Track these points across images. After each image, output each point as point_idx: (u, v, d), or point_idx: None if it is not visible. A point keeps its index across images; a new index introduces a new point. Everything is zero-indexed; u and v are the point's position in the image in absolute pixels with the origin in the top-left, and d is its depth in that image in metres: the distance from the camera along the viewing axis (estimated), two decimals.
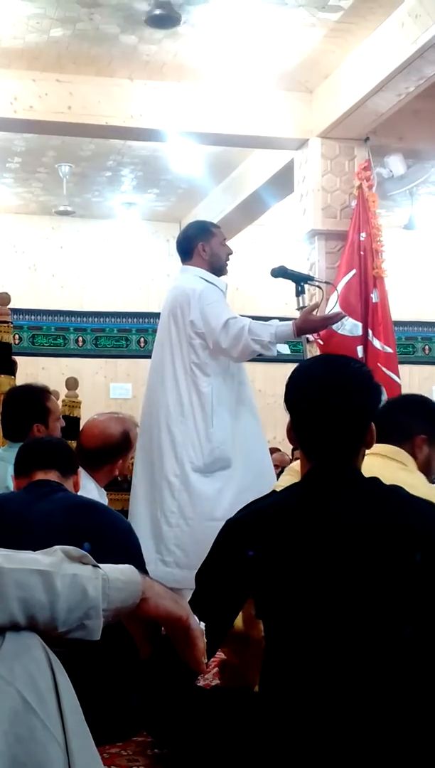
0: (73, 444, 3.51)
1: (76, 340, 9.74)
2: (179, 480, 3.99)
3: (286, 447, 7.93)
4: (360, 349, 5.97)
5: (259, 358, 4.42)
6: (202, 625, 1.50)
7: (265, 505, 1.91)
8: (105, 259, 9.78)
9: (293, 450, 6.97)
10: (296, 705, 1.73)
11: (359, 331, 5.99)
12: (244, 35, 5.65)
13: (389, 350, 6.08)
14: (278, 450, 8.10)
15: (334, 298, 5.71)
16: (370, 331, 6.04)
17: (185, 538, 3.93)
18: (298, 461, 2.46)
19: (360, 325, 6.00)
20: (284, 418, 1.99)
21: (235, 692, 2.20)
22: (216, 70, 6.14)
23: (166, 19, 5.29)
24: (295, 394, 1.95)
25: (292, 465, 2.61)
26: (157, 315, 4.38)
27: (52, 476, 2.57)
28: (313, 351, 5.61)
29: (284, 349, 4.07)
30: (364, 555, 1.75)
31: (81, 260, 9.73)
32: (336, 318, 4.32)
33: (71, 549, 1.35)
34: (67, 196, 8.63)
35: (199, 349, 4.04)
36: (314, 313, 4.07)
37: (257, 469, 4.08)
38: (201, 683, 2.70)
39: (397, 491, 1.86)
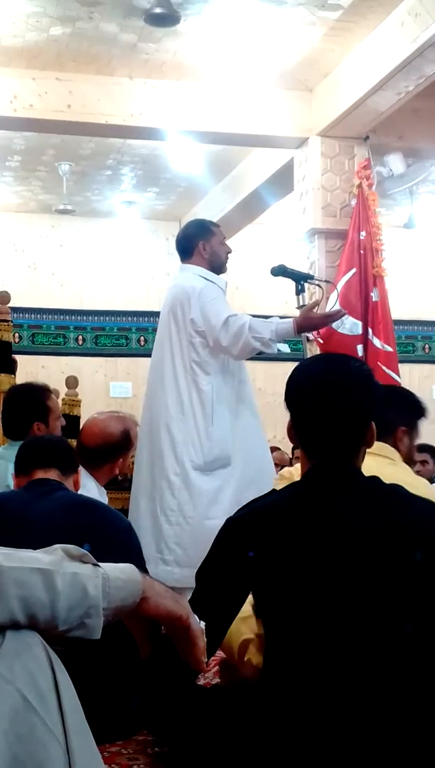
0: (74, 443, 3.51)
1: (76, 339, 9.73)
2: (179, 478, 4.00)
3: (286, 446, 7.93)
4: (360, 347, 5.96)
5: (259, 357, 4.42)
6: (202, 624, 1.50)
7: (265, 503, 1.91)
8: (105, 258, 9.78)
9: (293, 449, 6.97)
10: (297, 704, 1.73)
11: (359, 330, 5.98)
12: (243, 34, 5.65)
13: (389, 349, 6.08)
14: (278, 449, 8.10)
15: (334, 296, 5.70)
16: (370, 330, 6.04)
17: (185, 537, 3.93)
18: (287, 469, 2.47)
19: (360, 323, 5.99)
20: (284, 416, 1.99)
21: (235, 691, 2.20)
22: (216, 69, 6.14)
23: (165, 18, 5.29)
24: (295, 393, 1.95)
25: (281, 472, 2.61)
26: (157, 314, 4.38)
27: (53, 475, 2.57)
28: (313, 350, 5.61)
29: (284, 347, 4.08)
30: (364, 554, 1.75)
31: (81, 259, 9.72)
32: (336, 315, 4.32)
33: (71, 548, 1.35)
34: (66, 195, 8.63)
35: (200, 348, 4.04)
36: (314, 310, 4.08)
37: (257, 467, 4.08)
38: (201, 682, 2.70)
39: (397, 490, 1.86)
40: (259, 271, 8.38)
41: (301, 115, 6.50)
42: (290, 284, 4.24)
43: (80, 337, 9.74)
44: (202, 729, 1.87)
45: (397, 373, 6.15)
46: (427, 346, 10.49)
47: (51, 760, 1.14)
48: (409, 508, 1.83)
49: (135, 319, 9.82)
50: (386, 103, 5.83)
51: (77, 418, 5.18)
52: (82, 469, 3.03)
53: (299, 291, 4.21)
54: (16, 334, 8.87)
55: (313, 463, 1.91)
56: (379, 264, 6.13)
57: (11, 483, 2.93)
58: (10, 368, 4.60)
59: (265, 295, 9.42)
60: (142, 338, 9.79)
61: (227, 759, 1.78)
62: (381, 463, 2.35)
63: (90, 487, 3.28)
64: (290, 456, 7.63)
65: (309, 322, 4.03)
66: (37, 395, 3.57)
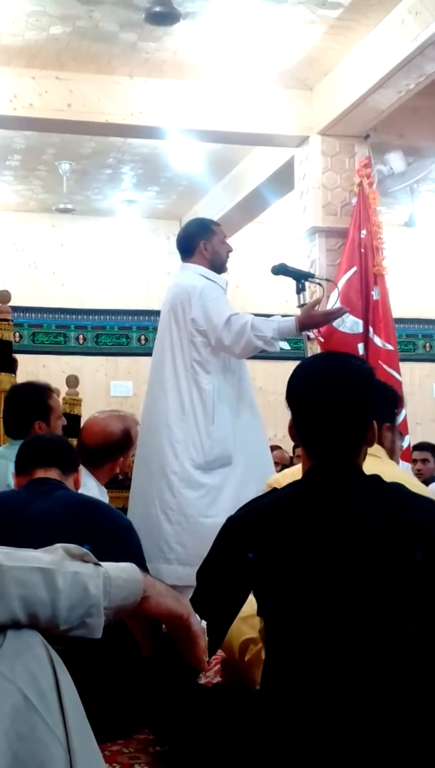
0: (74, 442, 3.51)
1: (77, 338, 9.73)
2: (180, 477, 4.00)
3: (287, 445, 7.93)
4: (361, 346, 5.96)
5: (260, 356, 4.42)
6: (203, 623, 1.50)
7: (265, 502, 1.91)
8: (105, 257, 9.78)
9: (294, 448, 6.97)
10: (297, 703, 1.73)
11: (360, 329, 5.98)
12: (244, 32, 5.65)
13: (390, 347, 6.08)
14: (279, 447, 8.10)
15: (334, 295, 5.70)
16: (370, 329, 6.04)
17: (186, 535, 3.94)
18: (274, 478, 2.47)
19: (361, 322, 5.99)
20: (285, 415, 1.99)
21: (236, 690, 2.20)
22: (216, 68, 6.13)
23: (165, 17, 5.29)
24: (296, 392, 1.95)
25: (269, 481, 2.61)
26: (157, 312, 4.38)
27: (53, 474, 2.57)
28: (313, 348, 5.61)
29: (284, 345, 4.08)
30: (364, 554, 1.74)
31: (81, 258, 9.72)
32: (338, 313, 4.32)
33: (72, 547, 1.35)
34: (67, 194, 8.62)
35: (201, 347, 4.04)
36: (316, 309, 4.08)
37: (258, 466, 4.08)
38: (202, 681, 2.70)
39: (399, 489, 1.86)
40: (259, 270, 8.38)
41: (302, 114, 6.49)
42: (291, 283, 4.24)
43: (81, 336, 9.74)
44: (204, 728, 1.87)
45: (398, 372, 6.15)
46: (427, 344, 10.49)
47: (52, 760, 1.14)
48: (411, 508, 1.82)
49: (136, 318, 9.82)
50: (387, 101, 5.83)
51: (78, 417, 5.18)
52: (82, 468, 3.02)
53: (300, 290, 4.21)
54: (17, 334, 8.86)
55: (314, 462, 1.90)
56: (380, 262, 6.13)
57: (12, 482, 2.93)
58: (11, 367, 4.60)
59: (265, 294, 9.42)
60: (142, 337, 9.79)
61: (228, 758, 1.78)
62: (369, 460, 2.35)
63: (90, 486, 3.28)
64: (291, 455, 7.64)
65: (311, 320, 4.03)
66: (38, 394, 3.57)
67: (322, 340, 5.78)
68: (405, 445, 6.26)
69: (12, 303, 4.76)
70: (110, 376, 9.73)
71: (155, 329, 4.44)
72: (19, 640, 1.21)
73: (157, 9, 5.21)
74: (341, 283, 5.87)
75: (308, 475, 1.91)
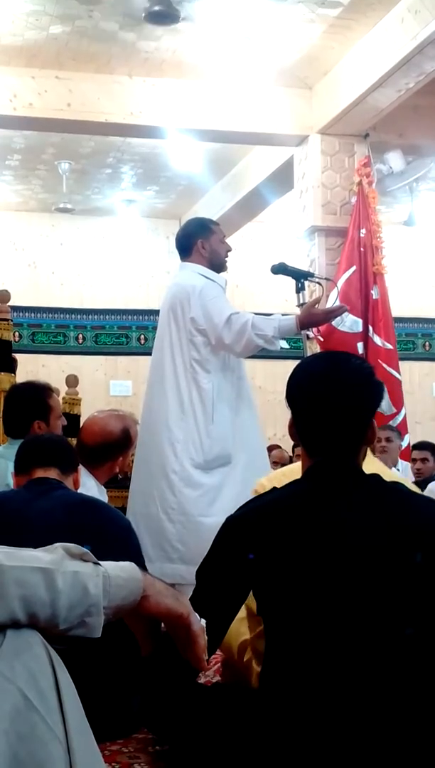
0: (74, 441, 3.51)
1: (76, 338, 9.73)
2: (180, 477, 4.00)
3: (287, 444, 7.93)
4: (360, 345, 5.97)
5: (259, 355, 4.42)
6: (203, 622, 1.49)
7: (265, 502, 1.90)
8: (105, 257, 9.78)
9: (294, 447, 6.97)
10: (297, 703, 1.73)
11: (359, 328, 5.99)
12: (243, 31, 5.65)
13: (389, 347, 6.08)
14: (279, 447, 8.10)
15: (334, 294, 5.70)
16: (370, 328, 6.04)
17: (188, 535, 3.94)
18: (260, 483, 2.46)
19: (360, 321, 6.00)
20: (284, 415, 1.99)
21: (236, 690, 2.20)
22: (215, 67, 6.13)
23: (165, 16, 5.29)
24: (296, 391, 1.95)
25: (255, 488, 2.60)
26: (157, 312, 4.38)
27: (52, 474, 2.56)
28: (313, 348, 5.61)
29: (283, 343, 4.07)
30: (364, 554, 1.74)
31: (81, 257, 9.72)
32: (338, 311, 4.31)
33: (72, 546, 1.35)
34: (66, 194, 8.62)
35: (201, 346, 4.04)
36: (316, 307, 4.08)
37: (258, 464, 4.08)
38: (202, 680, 2.70)
39: (398, 488, 1.86)
40: (259, 269, 8.38)
41: (301, 113, 6.49)
42: (290, 282, 4.24)
43: (80, 335, 9.74)
44: (203, 727, 1.87)
45: (398, 371, 6.16)
46: (427, 343, 10.49)
47: (52, 759, 1.14)
48: (411, 508, 1.82)
49: (135, 317, 9.82)
50: (386, 100, 5.83)
51: (77, 417, 5.18)
52: (82, 468, 3.02)
53: (299, 289, 4.21)
54: (16, 333, 8.87)
55: (314, 461, 1.90)
56: (379, 261, 6.14)
57: (11, 482, 2.93)
58: (10, 367, 4.60)
59: (265, 293, 9.42)
60: (142, 337, 9.79)
61: (228, 757, 1.77)
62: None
63: (90, 486, 3.28)
64: (290, 454, 7.64)
65: (311, 318, 4.03)
66: (38, 394, 3.56)
67: (322, 339, 5.79)
68: (404, 444, 6.27)
69: (11, 302, 4.76)
70: (110, 375, 9.73)
71: (155, 329, 4.44)
72: (19, 640, 1.21)
73: (157, 8, 5.21)
74: (341, 282, 5.87)
75: (308, 474, 1.90)
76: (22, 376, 4.68)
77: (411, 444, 6.46)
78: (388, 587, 1.72)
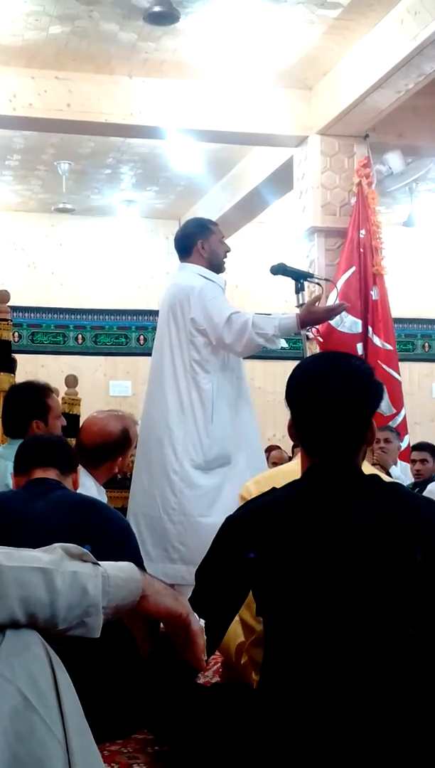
0: (73, 441, 3.50)
1: (76, 338, 9.73)
2: (180, 477, 4.00)
3: (286, 444, 7.93)
4: (360, 346, 5.97)
5: (259, 356, 4.42)
6: (202, 622, 1.49)
7: (264, 502, 1.90)
8: (104, 257, 9.78)
9: (293, 447, 6.97)
10: (296, 703, 1.72)
11: (359, 329, 5.99)
12: (243, 32, 5.65)
13: (389, 347, 6.08)
14: (278, 447, 8.11)
15: (333, 295, 5.70)
16: (370, 328, 6.04)
17: (188, 535, 3.94)
18: (247, 489, 2.46)
19: (360, 322, 6.00)
20: (284, 415, 1.99)
21: (235, 690, 2.20)
22: (215, 68, 6.13)
23: (165, 16, 5.29)
24: (296, 392, 1.95)
25: (241, 493, 2.59)
26: (156, 312, 4.38)
27: (51, 474, 2.56)
28: (312, 348, 5.61)
29: (282, 342, 4.08)
30: (364, 554, 1.74)
31: (80, 258, 9.72)
32: (339, 309, 4.31)
33: (71, 546, 1.35)
34: (66, 194, 8.62)
35: (201, 347, 4.04)
36: (316, 305, 4.08)
37: (258, 464, 4.09)
38: (201, 681, 2.70)
39: (398, 489, 1.86)
40: (258, 270, 8.38)
41: (301, 114, 6.49)
42: (290, 283, 4.24)
43: (80, 336, 9.74)
44: (202, 728, 1.87)
45: (397, 372, 6.16)
46: (426, 344, 10.49)
47: (51, 759, 1.14)
48: (410, 508, 1.82)
49: (134, 318, 9.82)
50: (386, 101, 5.83)
51: (77, 417, 5.18)
52: (81, 468, 3.02)
53: (299, 289, 4.21)
54: (16, 333, 8.86)
55: (314, 461, 1.90)
56: (379, 262, 6.14)
57: (10, 482, 2.93)
58: (10, 367, 4.59)
59: (264, 294, 9.41)
60: (141, 337, 9.79)
61: (227, 758, 1.77)
62: None
63: (89, 486, 3.28)
64: (290, 455, 7.64)
65: (311, 316, 4.03)
66: (37, 394, 3.56)
67: (321, 339, 5.79)
68: (404, 445, 6.27)
69: (11, 303, 4.76)
70: (109, 375, 9.73)
71: (154, 329, 4.44)
72: (18, 640, 1.21)
73: (157, 9, 5.21)
74: (340, 283, 5.87)
75: (308, 475, 1.91)
76: (21, 376, 4.67)
77: (410, 445, 6.46)
78: (389, 587, 1.72)
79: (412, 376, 9.83)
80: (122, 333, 9.83)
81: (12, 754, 1.12)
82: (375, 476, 1.88)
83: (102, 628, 1.31)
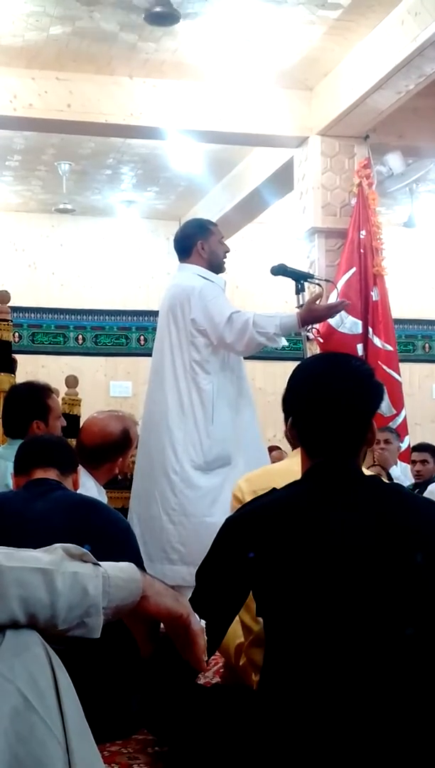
0: (73, 442, 3.50)
1: (76, 338, 9.74)
2: (180, 478, 4.00)
3: (286, 445, 7.90)
4: (360, 347, 5.97)
5: (259, 356, 4.42)
6: (203, 622, 1.49)
7: (264, 502, 1.90)
8: (105, 257, 9.78)
9: (293, 448, 6.96)
10: (297, 703, 1.72)
11: (359, 329, 5.99)
12: (243, 33, 5.65)
13: (389, 348, 6.08)
14: (278, 448, 8.10)
15: (334, 295, 5.69)
16: (370, 329, 6.04)
17: (188, 536, 3.94)
18: (237, 491, 2.46)
19: (360, 322, 6.00)
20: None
21: (235, 690, 2.20)
22: (216, 68, 6.13)
23: (165, 17, 5.29)
24: (296, 392, 1.95)
25: (234, 492, 2.59)
26: (157, 313, 4.38)
27: (52, 474, 2.56)
28: (313, 349, 5.61)
29: (283, 340, 4.08)
30: (365, 554, 1.74)
31: (81, 258, 9.73)
32: (340, 306, 4.31)
33: (71, 547, 1.34)
34: (66, 194, 8.63)
35: (202, 347, 4.04)
36: (317, 303, 4.08)
37: (258, 464, 4.08)
38: (201, 681, 2.70)
39: (398, 490, 1.86)
40: (259, 271, 8.38)
41: (301, 115, 6.49)
42: (290, 283, 4.24)
43: (80, 336, 9.74)
44: (202, 728, 1.87)
45: (398, 372, 6.16)
46: (427, 345, 10.49)
47: (51, 760, 1.13)
48: (410, 509, 1.82)
49: (135, 318, 9.82)
50: (386, 102, 5.83)
51: (77, 418, 5.18)
52: (81, 469, 3.02)
53: (299, 290, 4.21)
54: (16, 334, 8.87)
55: (314, 462, 1.90)
56: (379, 263, 6.14)
57: (10, 482, 2.93)
58: (10, 368, 4.60)
59: (264, 294, 9.42)
60: (142, 337, 9.79)
61: (227, 758, 1.77)
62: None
63: (89, 487, 3.28)
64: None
65: (312, 314, 4.03)
66: (37, 394, 3.56)
67: (322, 340, 5.78)
68: (404, 446, 6.27)
69: (11, 303, 4.76)
70: (109, 376, 9.73)
71: (154, 329, 4.45)
72: (18, 640, 1.21)
73: (157, 9, 5.21)
74: (340, 284, 5.87)
75: (308, 475, 1.91)
76: (21, 376, 4.68)
77: (411, 446, 6.46)
78: (389, 587, 1.72)
79: (412, 377, 9.83)
80: (123, 333, 9.83)
81: (12, 754, 1.11)
82: (375, 477, 1.88)
83: (102, 628, 1.31)
